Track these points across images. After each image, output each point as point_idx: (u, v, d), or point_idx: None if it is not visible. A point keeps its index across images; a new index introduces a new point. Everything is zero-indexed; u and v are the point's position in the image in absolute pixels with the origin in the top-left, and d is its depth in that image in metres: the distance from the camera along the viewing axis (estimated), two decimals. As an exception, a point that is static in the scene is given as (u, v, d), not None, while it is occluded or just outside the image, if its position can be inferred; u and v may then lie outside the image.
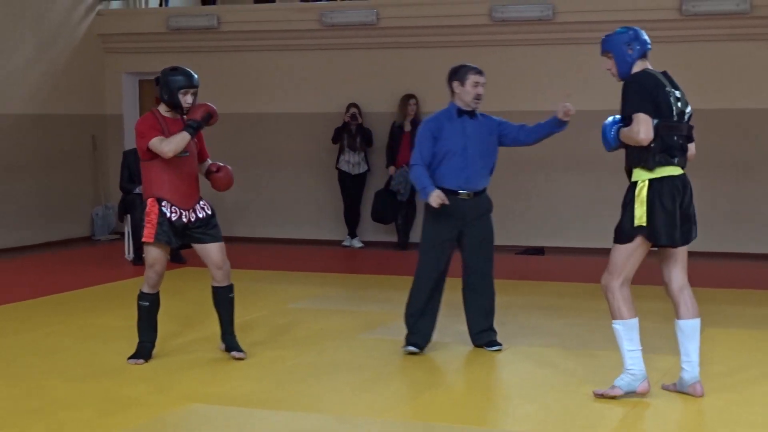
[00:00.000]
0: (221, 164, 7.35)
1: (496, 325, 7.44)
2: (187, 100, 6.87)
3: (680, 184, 5.87)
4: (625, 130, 5.87)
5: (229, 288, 7.14)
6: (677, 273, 6.04)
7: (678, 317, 6.01)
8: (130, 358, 6.96)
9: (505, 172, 12.55)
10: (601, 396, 5.96)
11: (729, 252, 12.35)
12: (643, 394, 5.93)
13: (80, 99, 14.44)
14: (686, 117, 5.96)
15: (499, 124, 7.33)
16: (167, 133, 6.82)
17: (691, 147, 6.02)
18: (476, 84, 7.19)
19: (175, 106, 6.88)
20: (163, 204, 6.91)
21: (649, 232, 5.81)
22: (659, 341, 7.48)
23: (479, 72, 7.25)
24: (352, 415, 5.78)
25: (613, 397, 5.93)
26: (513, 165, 12.78)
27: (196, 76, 6.95)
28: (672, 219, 5.79)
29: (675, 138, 5.86)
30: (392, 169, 13.06)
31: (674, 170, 5.85)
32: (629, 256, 5.90)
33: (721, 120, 12.50)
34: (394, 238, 13.36)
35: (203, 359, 7.15)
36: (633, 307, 5.93)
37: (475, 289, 7.30)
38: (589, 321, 8.34)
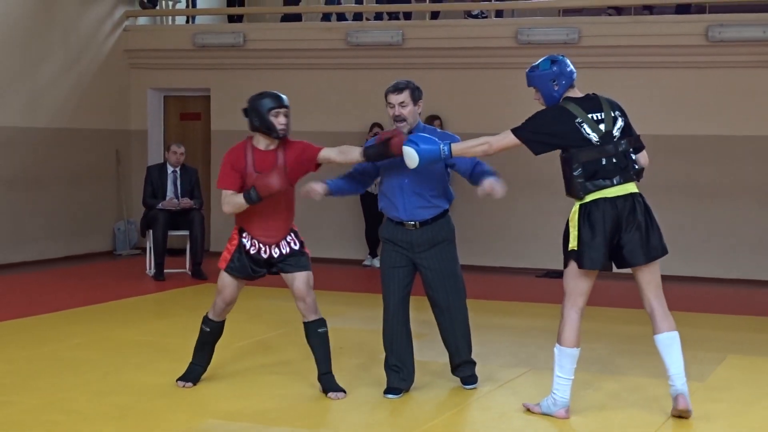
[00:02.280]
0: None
1: (478, 357, 7.07)
2: (280, 121, 6.55)
3: (613, 205, 5.84)
4: (470, 142, 6.18)
5: (318, 323, 6.69)
6: (645, 293, 6.05)
7: (654, 333, 6.08)
8: (179, 379, 6.81)
9: (523, 194, 12.63)
10: (528, 409, 6.21)
11: (753, 279, 12.29)
12: (561, 419, 6.03)
13: (106, 114, 14.52)
14: (617, 134, 5.92)
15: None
16: (252, 169, 6.57)
17: (642, 156, 6.05)
18: (391, 105, 6.68)
19: (269, 129, 6.54)
20: (243, 235, 6.71)
21: (575, 256, 5.91)
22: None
23: (394, 90, 6.71)
24: (370, 435, 5.77)
25: (533, 413, 6.15)
26: (532, 187, 12.79)
27: (285, 96, 6.72)
28: (597, 242, 5.82)
29: (603, 161, 5.87)
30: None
31: (608, 192, 5.85)
32: (574, 280, 6.01)
33: (745, 146, 12.46)
34: (415, 259, 13.33)
35: (222, 375, 7.14)
36: (577, 336, 5.99)
37: (445, 327, 6.84)
38: (609, 345, 8.30)
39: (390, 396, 6.64)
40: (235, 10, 15.19)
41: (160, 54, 14.79)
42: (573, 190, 5.95)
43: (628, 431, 5.89)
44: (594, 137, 5.87)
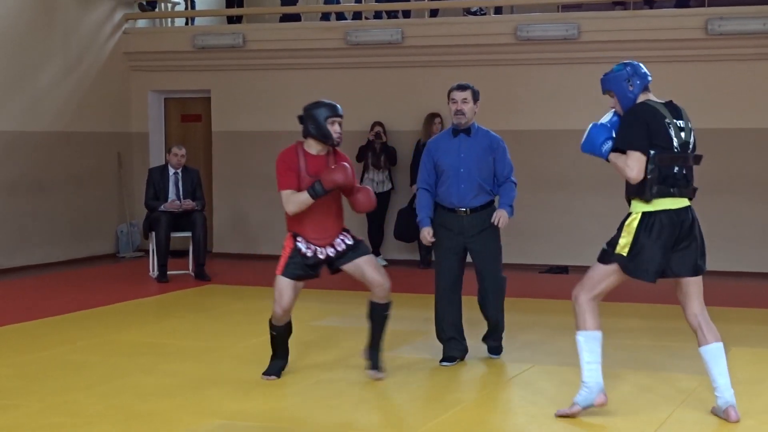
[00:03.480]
0: (361, 186, 7.14)
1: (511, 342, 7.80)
2: (335, 129, 6.91)
3: (676, 217, 5.81)
4: (618, 160, 5.88)
5: (386, 306, 6.99)
6: (688, 304, 6.01)
7: (699, 344, 6.01)
8: (264, 374, 7.03)
9: (527, 191, 12.61)
10: (563, 416, 5.99)
11: (756, 272, 12.28)
12: (601, 406, 5.95)
13: (106, 117, 14.53)
14: (691, 147, 5.91)
15: (495, 151, 7.46)
16: (304, 173, 6.89)
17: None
18: (454, 101, 7.46)
19: (325, 136, 6.90)
20: (298, 239, 6.91)
21: (625, 262, 5.84)
22: (681, 361, 7.46)
23: (459, 87, 7.52)
24: (375, 433, 5.77)
25: (574, 415, 5.94)
26: (535, 184, 12.78)
27: (339, 106, 7.04)
28: (654, 254, 5.77)
29: (675, 169, 5.82)
30: (416, 187, 13.03)
31: (673, 203, 5.82)
32: (605, 277, 5.95)
33: (747, 139, 12.45)
34: (417, 257, 13.35)
35: (228, 376, 7.15)
36: (598, 320, 5.98)
37: (487, 300, 7.57)
38: (612, 341, 8.28)
39: (446, 364, 7.44)
40: (234, 11, 15.19)
41: (159, 56, 14.79)
42: (640, 192, 5.81)
43: (634, 425, 5.87)
44: (676, 142, 5.81)
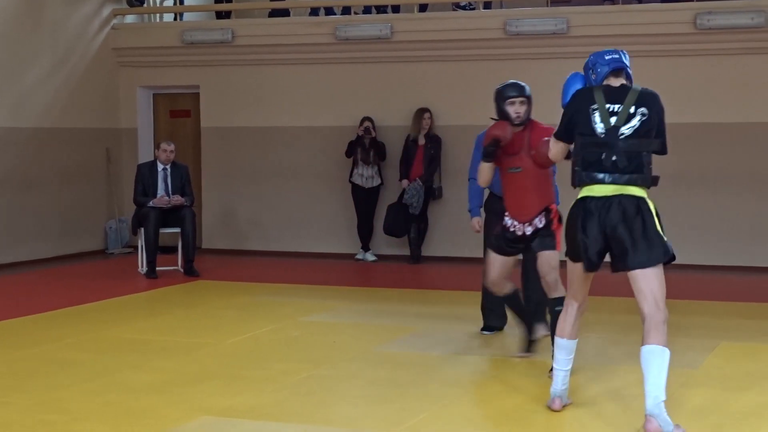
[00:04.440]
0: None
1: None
2: (515, 109, 6.94)
3: (600, 204, 5.59)
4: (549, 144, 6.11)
5: (555, 301, 6.77)
6: (638, 299, 5.68)
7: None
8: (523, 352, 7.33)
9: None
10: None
11: (745, 266, 12.30)
12: (553, 410, 5.95)
13: (95, 112, 14.49)
14: (625, 131, 5.61)
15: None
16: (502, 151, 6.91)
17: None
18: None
19: (505, 117, 6.94)
20: (506, 215, 7.00)
21: (567, 251, 5.82)
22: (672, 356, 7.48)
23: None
24: (364, 429, 5.76)
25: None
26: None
27: (526, 87, 7.08)
28: (581, 242, 5.64)
29: (603, 155, 5.62)
30: (405, 182, 13.06)
31: (600, 190, 5.61)
32: (570, 272, 5.89)
33: (735, 134, 12.47)
34: (407, 252, 13.35)
35: (217, 372, 7.14)
36: (569, 328, 5.91)
37: (528, 281, 7.98)
38: (603, 336, 8.30)
39: (485, 332, 8.30)
40: (223, 7, 15.15)
41: (148, 52, 14.75)
42: (572, 180, 5.80)
43: (619, 422, 5.87)
44: (601, 128, 5.65)
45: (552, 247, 6.88)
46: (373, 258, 13.56)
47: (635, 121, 5.65)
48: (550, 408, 5.97)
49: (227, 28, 14.29)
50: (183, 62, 14.62)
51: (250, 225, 14.38)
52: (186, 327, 8.99)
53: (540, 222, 6.88)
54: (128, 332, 8.66)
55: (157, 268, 11.90)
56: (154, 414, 6.04)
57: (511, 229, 6.94)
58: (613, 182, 5.60)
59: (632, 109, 5.66)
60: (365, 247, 13.60)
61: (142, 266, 12.16)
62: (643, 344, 5.56)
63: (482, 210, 8.24)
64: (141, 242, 12.14)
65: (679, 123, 12.50)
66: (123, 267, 12.90)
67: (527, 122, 7.00)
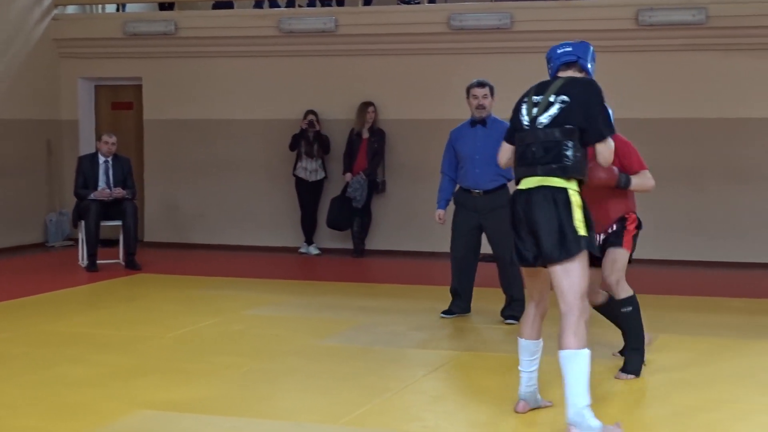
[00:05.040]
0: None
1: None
2: None
3: (523, 198, 5.45)
4: None
5: (621, 302, 6.61)
6: (556, 295, 5.45)
7: None
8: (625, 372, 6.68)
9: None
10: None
11: (687, 260, 12.43)
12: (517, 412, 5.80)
13: (35, 104, 14.30)
14: (543, 121, 5.44)
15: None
16: None
17: (599, 152, 5.51)
18: (475, 96, 8.61)
19: None
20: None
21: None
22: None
23: (479, 85, 8.69)
24: (306, 422, 5.74)
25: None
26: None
27: None
28: (513, 237, 5.54)
29: (525, 148, 5.49)
30: (348, 175, 13.04)
31: (526, 182, 5.45)
32: (521, 270, 5.76)
33: (676, 129, 12.59)
34: (350, 246, 13.34)
35: (156, 365, 7.08)
36: (526, 327, 5.71)
37: (503, 273, 8.51)
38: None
39: (444, 316, 8.67)
40: (166, -2, 15.02)
41: (90, 43, 14.59)
42: None
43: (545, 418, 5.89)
44: (525, 120, 5.53)
45: (618, 244, 6.63)
46: (317, 251, 13.53)
47: (554, 110, 5.44)
48: (515, 410, 5.81)
49: (170, 20, 14.18)
50: (125, 54, 14.49)
51: (192, 218, 14.29)
52: (127, 321, 8.91)
53: (611, 229, 6.67)
54: (68, 326, 8.57)
55: (98, 262, 11.78)
56: (91, 408, 5.98)
57: (597, 236, 6.56)
58: (534, 174, 5.41)
59: (552, 98, 5.47)
60: (309, 241, 13.57)
61: (82, 259, 12.03)
62: (558, 347, 5.31)
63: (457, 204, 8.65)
64: (82, 235, 12.01)
65: (619, 118, 12.60)
66: (63, 260, 12.76)
67: None
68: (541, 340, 5.76)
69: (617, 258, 6.61)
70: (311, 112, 13.33)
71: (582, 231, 5.33)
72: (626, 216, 6.72)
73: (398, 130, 13.18)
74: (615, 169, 6.34)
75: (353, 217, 13.09)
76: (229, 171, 14.12)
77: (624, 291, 6.62)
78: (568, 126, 5.39)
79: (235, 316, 8.99)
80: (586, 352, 5.24)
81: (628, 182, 6.52)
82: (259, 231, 14.01)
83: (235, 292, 10.42)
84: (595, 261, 6.37)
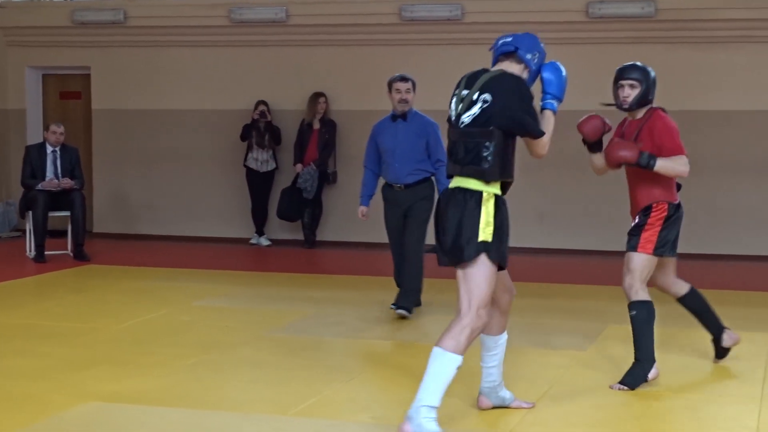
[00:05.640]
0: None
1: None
2: (623, 93, 6.45)
3: (446, 198, 5.29)
4: None
5: (630, 306, 6.25)
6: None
7: None
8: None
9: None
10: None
11: (600, 250, 12.46)
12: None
13: (-19, 93, 14.14)
14: (464, 119, 5.26)
15: (428, 134, 8.41)
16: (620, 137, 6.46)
17: (533, 147, 5.43)
18: (398, 90, 8.43)
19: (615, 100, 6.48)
20: None
21: None
22: (559, 338, 7.59)
23: (402, 79, 8.51)
24: (255, 413, 5.73)
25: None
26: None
27: (630, 68, 6.56)
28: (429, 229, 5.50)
29: (452, 145, 5.33)
30: (299, 166, 13.01)
31: (452, 182, 5.30)
32: None
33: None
34: (301, 236, 13.31)
35: (104, 357, 7.03)
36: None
37: (406, 260, 8.42)
38: (529, 320, 8.34)
39: (394, 307, 8.41)
40: (116, -13, 14.87)
41: (37, 31, 14.42)
42: None
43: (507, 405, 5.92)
44: (452, 116, 5.36)
45: (632, 247, 6.32)
46: (267, 242, 13.49)
47: (476, 109, 5.23)
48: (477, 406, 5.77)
49: (119, 9, 14.05)
50: (73, 43, 14.34)
51: (142, 209, 14.19)
52: (75, 312, 8.83)
53: (636, 220, 6.40)
54: (14, 317, 8.48)
55: (46, 253, 11.66)
56: (38, 400, 5.92)
57: None
58: (455, 174, 5.27)
59: (476, 96, 5.25)
60: (259, 232, 13.52)
61: (30, 250, 11.91)
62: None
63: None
64: (29, 226, 11.89)
65: (568, 110, 12.68)
66: (10, 251, 12.62)
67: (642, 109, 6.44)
68: (501, 336, 5.63)
69: (629, 260, 6.32)
70: (262, 102, 13.28)
71: (484, 237, 5.12)
72: (653, 205, 6.33)
73: (349, 121, 13.16)
74: (637, 148, 6.17)
75: (304, 208, 13.06)
76: (179, 161, 14.03)
77: (636, 295, 6.22)
78: (489, 127, 5.19)
79: (184, 308, 8.94)
80: (456, 358, 5.04)
81: (652, 162, 6.14)
82: (210, 222, 13.94)
83: (184, 283, 10.37)
84: None
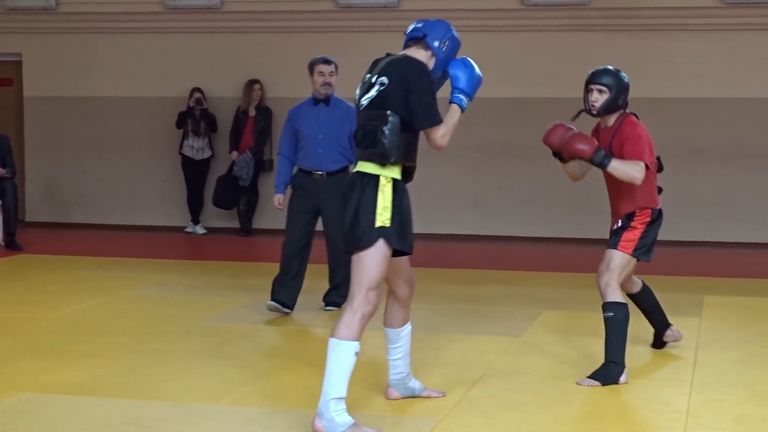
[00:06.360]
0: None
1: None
2: (591, 97, 6.27)
3: (349, 183, 5.24)
4: None
5: (604, 306, 6.10)
6: None
7: None
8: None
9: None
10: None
11: (566, 237, 12.64)
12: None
13: None
14: (363, 103, 5.21)
15: (352, 120, 7.42)
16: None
17: (431, 138, 5.20)
18: (321, 73, 8.08)
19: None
20: None
21: None
22: (493, 325, 7.64)
23: (326, 62, 8.15)
24: (189, 402, 5.70)
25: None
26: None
27: (598, 72, 6.31)
28: None
29: (356, 129, 5.27)
30: (235, 154, 12.95)
31: (356, 166, 5.25)
32: None
33: (559, 109, 12.74)
34: (237, 225, 13.26)
35: (37, 347, 6.95)
36: (384, 316, 5.55)
37: (333, 258, 8.11)
38: (428, 306, 8.41)
39: (272, 303, 7.96)
40: (47, -28, 14.67)
41: (-33, 17, 14.20)
42: None
43: (446, 388, 5.95)
44: (356, 99, 5.29)
45: (613, 245, 6.21)
46: (203, 231, 13.42)
47: (373, 92, 5.16)
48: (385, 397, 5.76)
49: (51, -6, 13.87)
50: (4, 29, 14.12)
51: (75, 197, 14.04)
52: (7, 302, 8.72)
53: (616, 225, 6.30)
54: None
55: (-22, 242, 11.53)
56: (-31, 391, 5.85)
57: None
58: (357, 158, 5.24)
59: (374, 79, 5.19)
60: (195, 220, 13.45)
61: (-2, 238, 11.78)
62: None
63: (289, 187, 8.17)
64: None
65: (504, 97, 12.78)
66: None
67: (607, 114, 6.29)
68: (403, 328, 5.59)
69: (610, 259, 6.19)
70: (197, 89, 13.21)
71: (381, 222, 5.07)
72: (637, 211, 6.24)
73: (285, 108, 12.90)
74: (596, 143, 6.09)
75: (240, 195, 13.02)
76: (113, 149, 13.89)
77: (612, 296, 6.10)
78: (385, 110, 5.12)
79: (120, 297, 8.87)
80: (352, 344, 5.00)
81: (606, 161, 6.03)
82: (145, 210, 13.83)
83: (119, 272, 10.28)
84: None
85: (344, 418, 4.98)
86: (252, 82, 13.05)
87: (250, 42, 13.46)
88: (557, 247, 12.34)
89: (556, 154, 6.34)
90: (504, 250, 12.14)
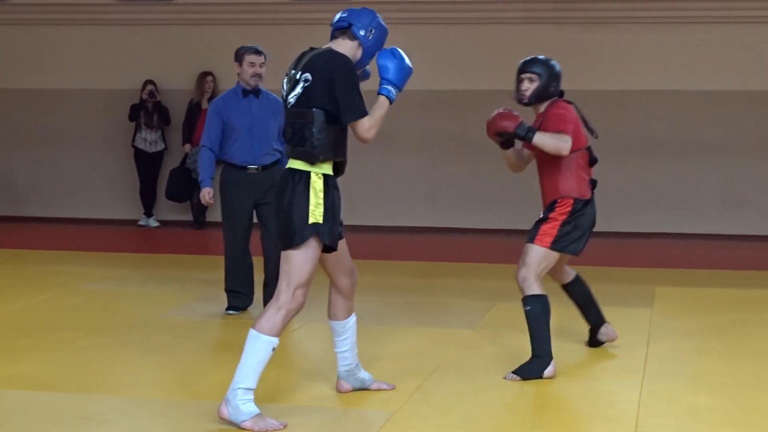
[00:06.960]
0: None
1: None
2: (522, 86, 6.33)
3: (281, 180, 5.22)
4: None
5: (523, 300, 6.09)
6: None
7: None
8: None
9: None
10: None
11: (518, 229, 12.63)
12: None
13: None
14: (290, 100, 5.18)
15: (282, 114, 7.24)
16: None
17: (356, 131, 5.16)
18: (252, 64, 7.76)
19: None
20: None
21: None
22: (451, 317, 7.67)
23: (256, 52, 7.84)
24: (142, 396, 5.68)
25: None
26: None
27: (528, 62, 6.42)
28: None
29: (285, 125, 5.26)
30: (188, 146, 12.89)
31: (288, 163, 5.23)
32: None
33: (509, 100, 12.80)
34: (190, 217, 13.20)
35: (-14, 342, 6.90)
36: (328, 310, 5.61)
37: (268, 252, 7.67)
38: (382, 299, 8.41)
39: (231, 312, 7.79)
40: (-3, -37, 14.51)
41: None
42: None
43: (403, 375, 5.96)
44: (283, 95, 5.26)
45: (530, 239, 6.17)
46: (156, 224, 13.36)
47: (298, 89, 5.13)
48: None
49: (0, -15, 13.73)
50: (-48, 20, 13.96)
51: (28, 190, 13.91)
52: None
53: (542, 213, 6.26)
54: None
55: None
56: None
57: None
58: (287, 155, 5.23)
59: (298, 75, 5.15)
60: (148, 213, 13.38)
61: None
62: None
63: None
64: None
65: (459, 90, 12.80)
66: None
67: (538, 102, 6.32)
68: (348, 319, 5.59)
69: (526, 253, 6.15)
70: (150, 82, 13.13)
71: (314, 218, 5.07)
72: (558, 200, 6.21)
73: (239, 100, 13.05)
74: (519, 118, 6.09)
75: (193, 188, 12.94)
76: (64, 142, 13.78)
77: (529, 289, 6.07)
78: (311, 108, 5.08)
79: (72, 291, 8.80)
80: (271, 340, 5.05)
81: (530, 134, 6.02)
82: (97, 203, 13.74)
83: (71, 266, 10.21)
84: None
85: (249, 408, 5.03)
86: (204, 74, 12.99)
87: (203, 34, 13.40)
88: (512, 239, 12.36)
89: (504, 143, 6.33)
90: (459, 242, 12.18)
